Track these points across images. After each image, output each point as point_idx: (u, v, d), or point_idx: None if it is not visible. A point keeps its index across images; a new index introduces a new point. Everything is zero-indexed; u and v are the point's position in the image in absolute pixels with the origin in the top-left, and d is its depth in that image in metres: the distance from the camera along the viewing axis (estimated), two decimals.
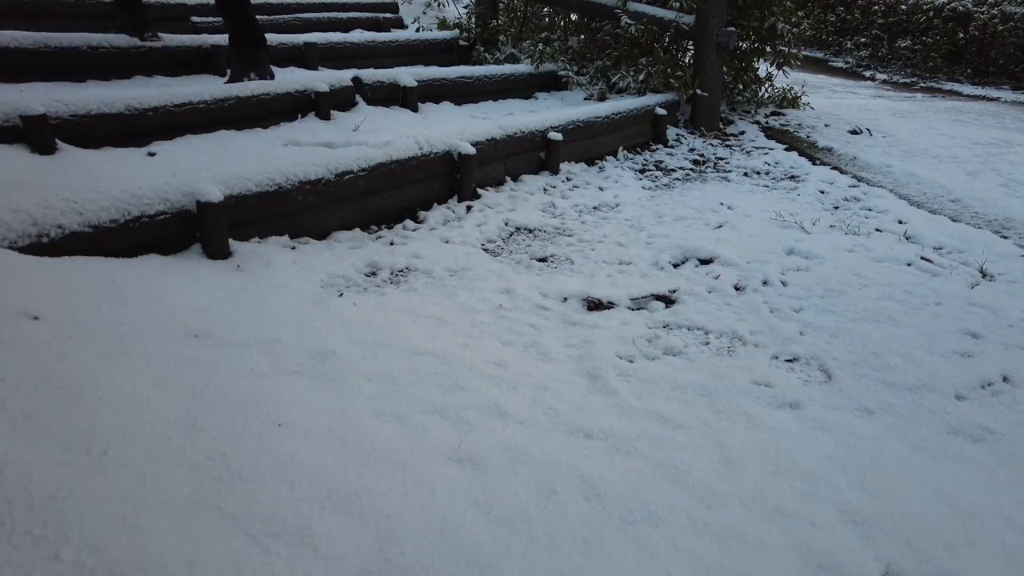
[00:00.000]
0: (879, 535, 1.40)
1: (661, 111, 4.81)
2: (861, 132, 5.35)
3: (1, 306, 1.62)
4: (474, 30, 6.12)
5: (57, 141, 2.65)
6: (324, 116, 3.70)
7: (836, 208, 3.67)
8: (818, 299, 2.48)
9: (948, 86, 9.43)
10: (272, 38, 4.55)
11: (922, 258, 2.91)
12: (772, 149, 4.84)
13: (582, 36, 6.14)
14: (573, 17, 6.22)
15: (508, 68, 5.25)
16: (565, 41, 6.08)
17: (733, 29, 4.89)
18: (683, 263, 2.83)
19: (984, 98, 8.33)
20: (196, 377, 1.56)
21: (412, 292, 2.37)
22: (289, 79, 3.74)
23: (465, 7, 6.96)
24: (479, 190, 3.45)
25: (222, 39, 4.29)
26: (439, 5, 6.57)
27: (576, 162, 4.16)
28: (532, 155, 3.86)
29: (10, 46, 3.41)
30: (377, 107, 4.09)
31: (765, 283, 2.61)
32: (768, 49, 5.64)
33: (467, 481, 1.42)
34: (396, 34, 5.93)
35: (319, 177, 2.69)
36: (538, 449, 1.55)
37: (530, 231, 3.12)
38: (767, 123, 5.49)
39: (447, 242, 2.85)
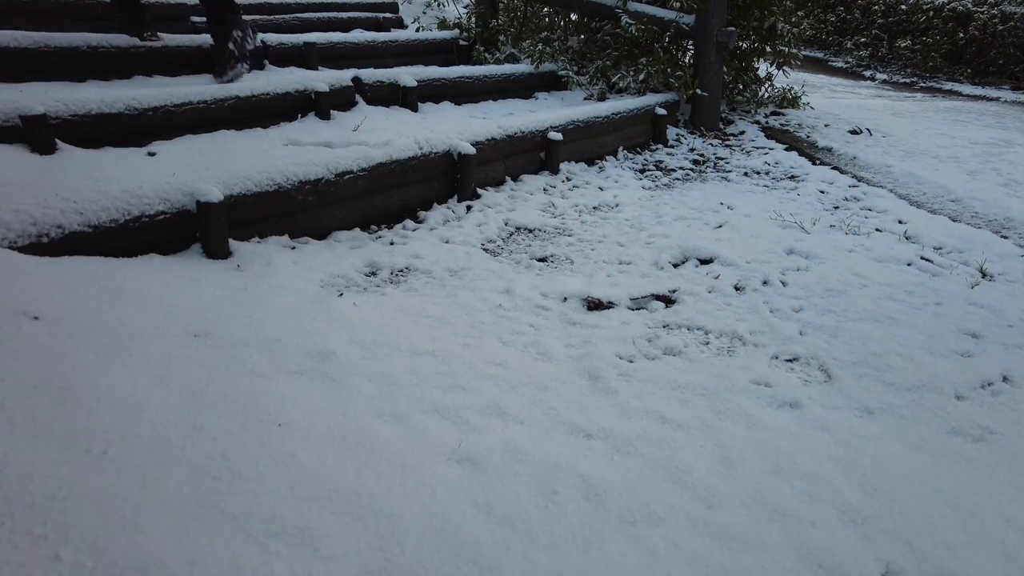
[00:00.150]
0: (879, 535, 1.40)
1: (661, 111, 4.81)
2: (861, 132, 5.35)
3: (1, 306, 1.62)
4: (474, 30, 6.12)
5: (57, 141, 2.65)
6: (324, 116, 3.70)
7: (836, 208, 3.67)
8: (818, 299, 2.48)
9: (948, 86, 9.43)
10: (272, 38, 4.55)
11: (922, 258, 2.91)
12: (772, 149, 4.84)
13: (582, 36, 6.14)
14: (573, 17, 6.22)
15: (508, 68, 5.25)
16: (565, 41, 6.08)
17: (733, 29, 4.89)
18: (683, 263, 2.83)
19: (984, 98, 8.34)
20: (196, 377, 1.56)
21: (412, 292, 2.37)
22: (289, 79, 3.74)
23: (465, 7, 6.96)
24: (479, 190, 3.45)
25: None
26: (439, 5, 6.57)
27: (576, 162, 4.16)
28: (532, 155, 3.86)
29: (10, 46, 3.41)
30: (377, 107, 4.09)
31: (765, 283, 2.61)
32: (768, 49, 5.64)
33: (467, 481, 1.42)
34: (396, 34, 5.92)
35: (319, 177, 2.69)
36: (538, 449, 1.55)
37: (530, 231, 3.12)
38: (767, 123, 5.50)
39: (447, 242, 2.85)
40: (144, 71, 3.89)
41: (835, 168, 4.41)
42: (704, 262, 2.83)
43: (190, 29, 5.34)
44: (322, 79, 3.78)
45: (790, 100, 6.08)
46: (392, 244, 2.80)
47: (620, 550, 1.30)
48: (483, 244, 2.90)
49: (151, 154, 2.88)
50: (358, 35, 5.43)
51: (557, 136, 3.86)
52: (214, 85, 3.43)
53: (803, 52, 7.54)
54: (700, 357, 2.08)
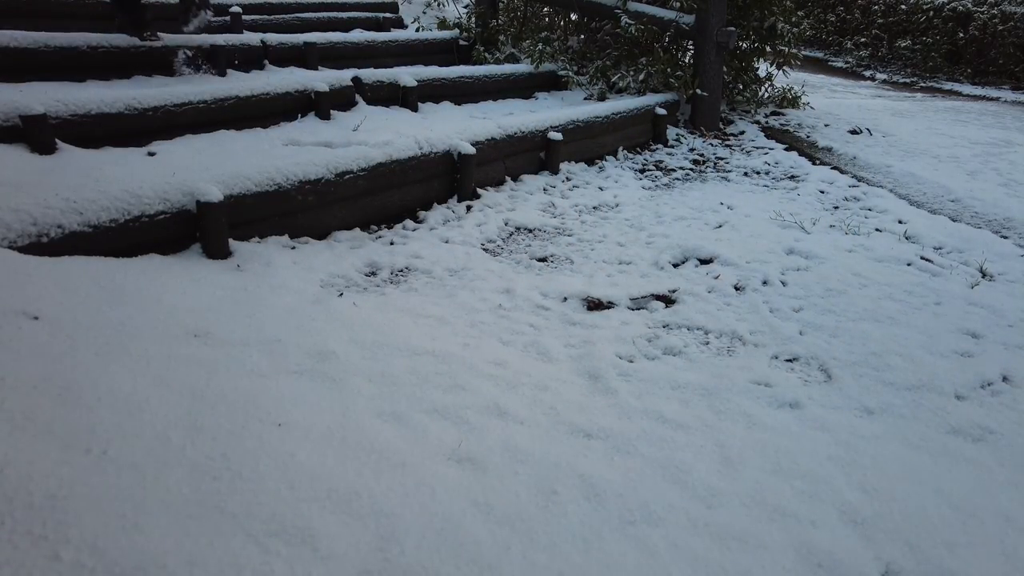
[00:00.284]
0: (879, 535, 1.40)
1: (661, 111, 4.81)
2: (861, 132, 5.35)
3: (1, 306, 1.62)
4: (474, 30, 6.12)
5: (57, 141, 2.65)
6: (324, 116, 3.70)
7: (836, 208, 3.67)
8: (818, 299, 2.48)
9: (948, 86, 9.43)
10: (272, 38, 4.55)
11: (922, 258, 2.91)
12: (772, 149, 4.84)
13: (582, 36, 6.14)
14: (573, 17, 6.22)
15: (508, 68, 5.25)
16: (565, 41, 6.08)
17: (733, 29, 4.89)
18: (683, 263, 2.83)
19: (984, 98, 8.34)
20: (196, 377, 1.56)
21: (412, 292, 2.37)
22: (289, 79, 3.74)
23: (465, 7, 6.96)
24: (479, 190, 3.45)
25: (222, 39, 4.29)
26: (439, 5, 6.57)
27: (576, 162, 4.16)
28: (532, 155, 3.86)
29: (10, 46, 3.41)
30: (377, 107, 4.09)
31: (765, 283, 2.61)
32: (768, 49, 5.64)
33: (467, 481, 1.42)
34: (396, 34, 5.93)
35: (319, 177, 2.69)
36: (538, 449, 1.55)
37: (530, 231, 3.12)
38: (767, 123, 5.50)
39: (447, 242, 2.85)
40: (144, 71, 3.89)
41: (835, 168, 4.41)
42: (704, 262, 2.83)
43: None
44: (322, 79, 3.78)
45: (790, 100, 6.08)
46: (392, 244, 2.80)
47: (620, 550, 1.30)
48: (483, 244, 2.90)
49: (151, 154, 2.88)
50: (358, 35, 5.43)
51: (557, 136, 3.86)
52: (214, 85, 3.43)
53: (803, 52, 7.54)
54: (700, 357, 2.08)
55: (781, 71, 5.93)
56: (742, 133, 5.25)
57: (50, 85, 3.43)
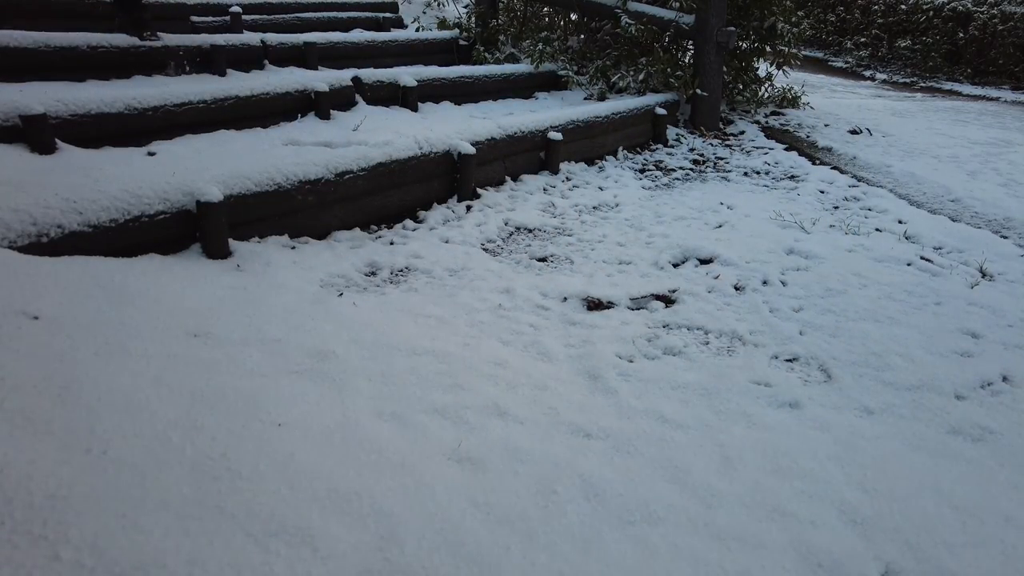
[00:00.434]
0: (879, 534, 1.40)
1: (661, 111, 4.81)
2: (861, 132, 5.35)
3: (1, 306, 1.62)
4: (474, 30, 6.12)
5: (57, 141, 2.65)
6: (324, 116, 3.70)
7: (836, 208, 3.67)
8: (818, 299, 2.48)
9: (948, 86, 9.43)
10: (272, 38, 4.55)
11: (922, 258, 2.91)
12: (772, 149, 4.84)
13: (582, 36, 6.14)
14: (573, 17, 6.22)
15: (508, 68, 5.25)
16: (565, 41, 6.08)
17: (733, 29, 4.89)
18: (683, 263, 2.83)
19: (984, 98, 8.34)
20: (196, 377, 1.56)
21: (412, 292, 2.37)
22: (289, 79, 3.74)
23: (465, 7, 6.96)
24: (479, 190, 3.45)
25: (222, 39, 4.29)
26: (439, 5, 6.57)
27: (576, 162, 4.16)
28: (532, 155, 3.86)
29: (10, 46, 3.41)
30: (377, 107, 4.09)
31: (765, 283, 2.61)
32: (768, 49, 5.64)
33: (467, 481, 1.42)
34: (396, 34, 5.93)
35: (319, 177, 2.69)
36: (538, 449, 1.55)
37: (530, 231, 3.12)
38: (767, 123, 5.49)
39: (447, 242, 2.85)
40: (144, 71, 3.90)
41: (835, 168, 4.41)
42: (704, 262, 2.83)
43: (190, 29, 5.34)
44: (322, 79, 3.78)
45: (790, 100, 6.08)
46: (392, 244, 2.80)
47: (620, 550, 1.30)
48: (483, 244, 2.90)
49: (151, 154, 2.88)
50: (358, 35, 5.43)
51: (557, 136, 3.86)
52: (214, 85, 3.43)
53: (803, 52, 7.54)
54: (700, 357, 2.08)
55: (781, 71, 5.93)
56: (742, 133, 5.25)
57: (50, 85, 3.43)
